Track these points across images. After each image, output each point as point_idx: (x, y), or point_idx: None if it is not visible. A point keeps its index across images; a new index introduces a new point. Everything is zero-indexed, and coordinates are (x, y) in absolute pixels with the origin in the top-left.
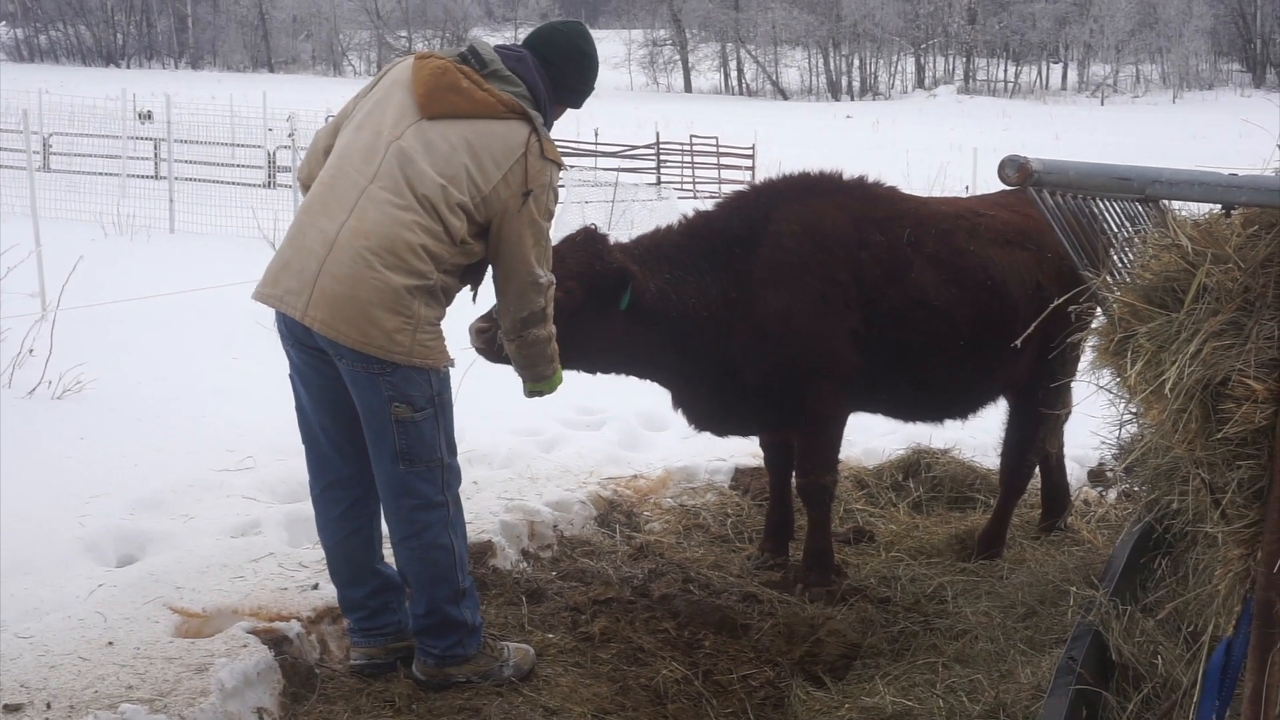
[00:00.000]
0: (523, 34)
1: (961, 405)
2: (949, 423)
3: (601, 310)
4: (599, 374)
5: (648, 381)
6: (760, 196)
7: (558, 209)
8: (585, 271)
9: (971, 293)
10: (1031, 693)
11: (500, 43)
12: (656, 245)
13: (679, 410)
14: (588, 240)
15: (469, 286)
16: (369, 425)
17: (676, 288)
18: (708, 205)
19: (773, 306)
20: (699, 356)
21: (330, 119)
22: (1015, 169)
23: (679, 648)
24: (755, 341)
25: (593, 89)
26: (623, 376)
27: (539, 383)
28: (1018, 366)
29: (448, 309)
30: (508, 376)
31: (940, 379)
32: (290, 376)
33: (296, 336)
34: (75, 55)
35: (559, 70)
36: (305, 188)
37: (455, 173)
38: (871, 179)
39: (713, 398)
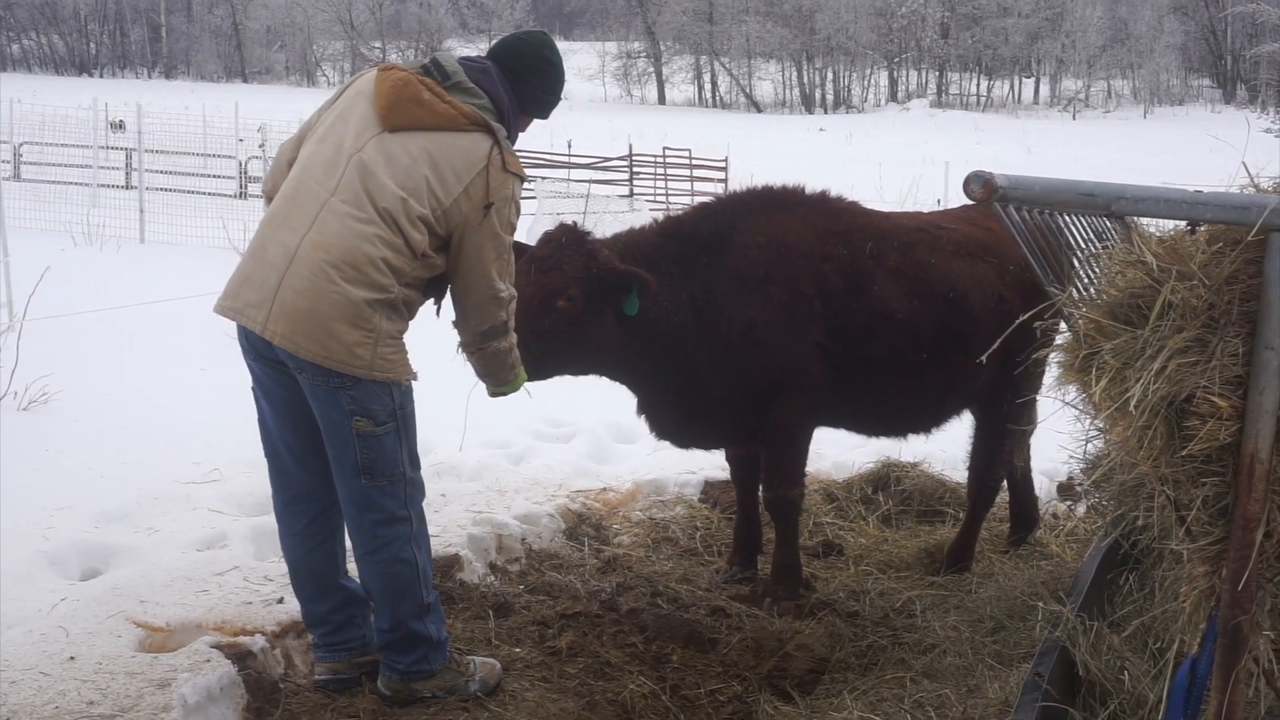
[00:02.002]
0: None
1: (925, 419)
2: (912, 437)
3: (599, 313)
4: (572, 375)
5: (617, 388)
6: (725, 208)
7: (527, 221)
8: (583, 275)
9: (933, 305)
10: (999, 708)
11: (465, 54)
12: (635, 245)
13: (642, 416)
14: (575, 241)
15: (432, 300)
16: (330, 439)
17: (656, 290)
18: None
19: (738, 318)
20: (667, 363)
21: (296, 131)
22: (980, 185)
23: (647, 662)
24: (720, 353)
25: (559, 99)
26: (593, 386)
27: (502, 386)
28: (981, 380)
29: (410, 323)
30: (477, 388)
31: (903, 392)
32: (252, 390)
33: (258, 350)
34: (48, 64)
35: (524, 81)
36: (270, 200)
37: (416, 185)
38: (834, 193)
39: (678, 407)
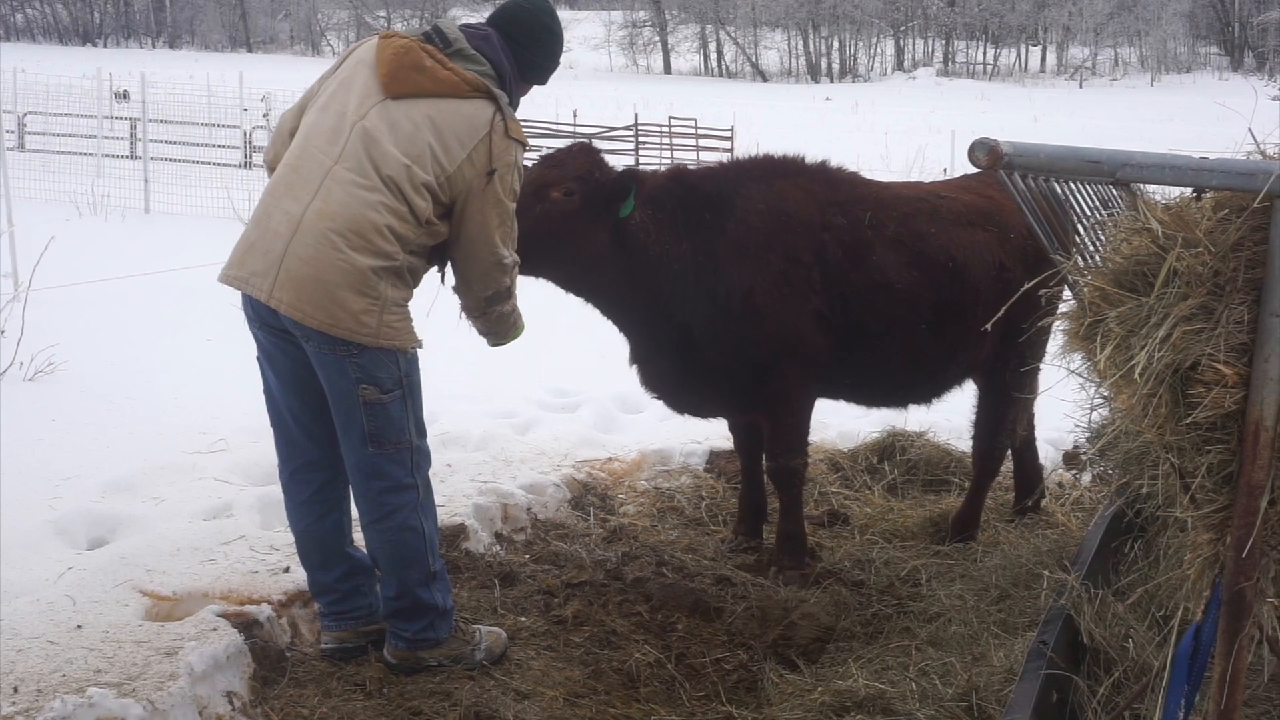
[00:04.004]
0: None
1: (925, 389)
2: (913, 407)
3: (594, 220)
4: (560, 285)
5: (623, 358)
6: (728, 173)
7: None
8: (584, 176)
9: (933, 275)
10: (1004, 676)
11: (466, 21)
12: (643, 180)
13: (633, 366)
14: (585, 150)
15: (436, 268)
16: (337, 408)
17: (656, 227)
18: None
19: (737, 285)
20: (661, 316)
21: (298, 100)
22: (985, 152)
23: (652, 631)
24: (719, 320)
25: (558, 65)
26: (600, 356)
27: (503, 340)
28: (982, 349)
29: (415, 290)
30: (483, 358)
31: (903, 362)
32: (258, 359)
33: (263, 318)
34: (52, 34)
35: (524, 47)
36: (271, 170)
37: (420, 152)
38: (834, 163)
39: (674, 371)
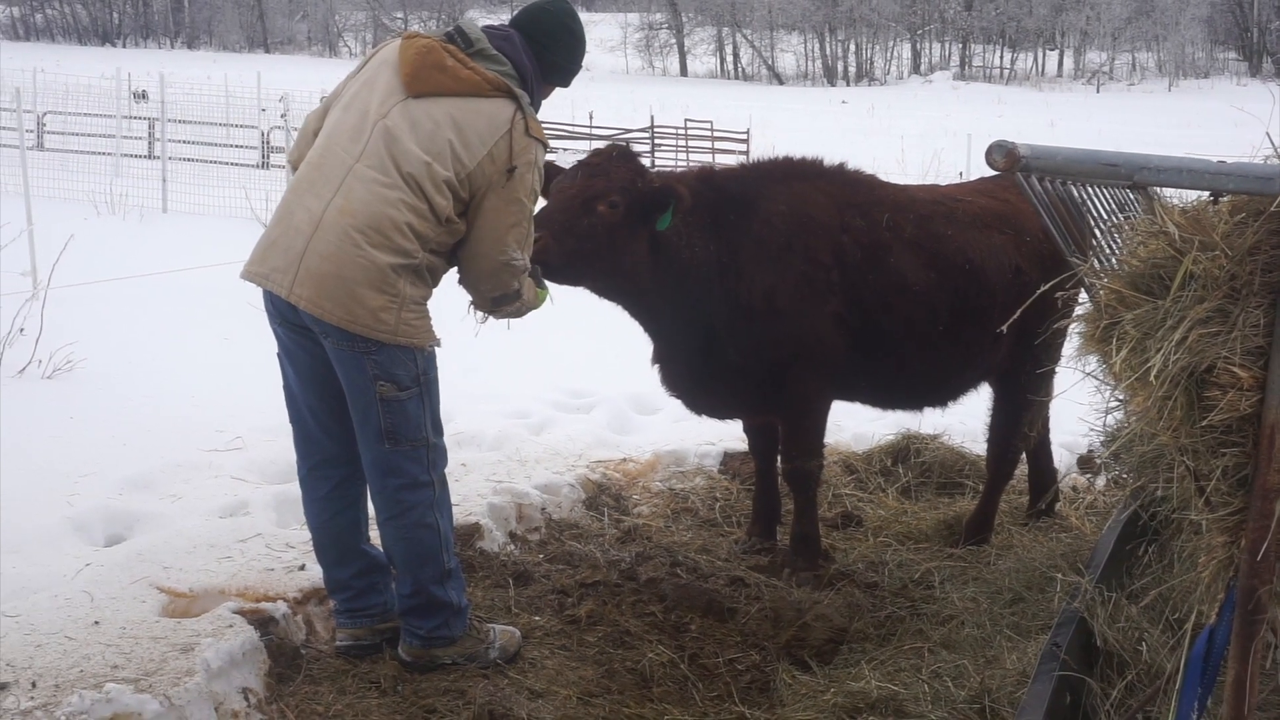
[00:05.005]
0: None
1: (941, 391)
2: (928, 410)
3: (636, 229)
4: (594, 291)
5: (637, 359)
6: (750, 175)
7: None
8: (629, 186)
9: (950, 277)
10: (1017, 678)
11: (488, 23)
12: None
13: (655, 366)
14: (625, 156)
15: (455, 268)
16: (354, 404)
17: (689, 231)
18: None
19: (759, 285)
20: (689, 318)
21: (322, 100)
22: (1003, 154)
23: (665, 631)
24: (740, 319)
25: (580, 67)
26: (614, 357)
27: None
28: (998, 352)
29: (434, 289)
30: (499, 359)
31: (920, 364)
32: (278, 355)
33: (283, 315)
34: (71, 34)
35: (546, 49)
36: (295, 169)
37: (440, 149)
38: (851, 166)
39: (694, 371)
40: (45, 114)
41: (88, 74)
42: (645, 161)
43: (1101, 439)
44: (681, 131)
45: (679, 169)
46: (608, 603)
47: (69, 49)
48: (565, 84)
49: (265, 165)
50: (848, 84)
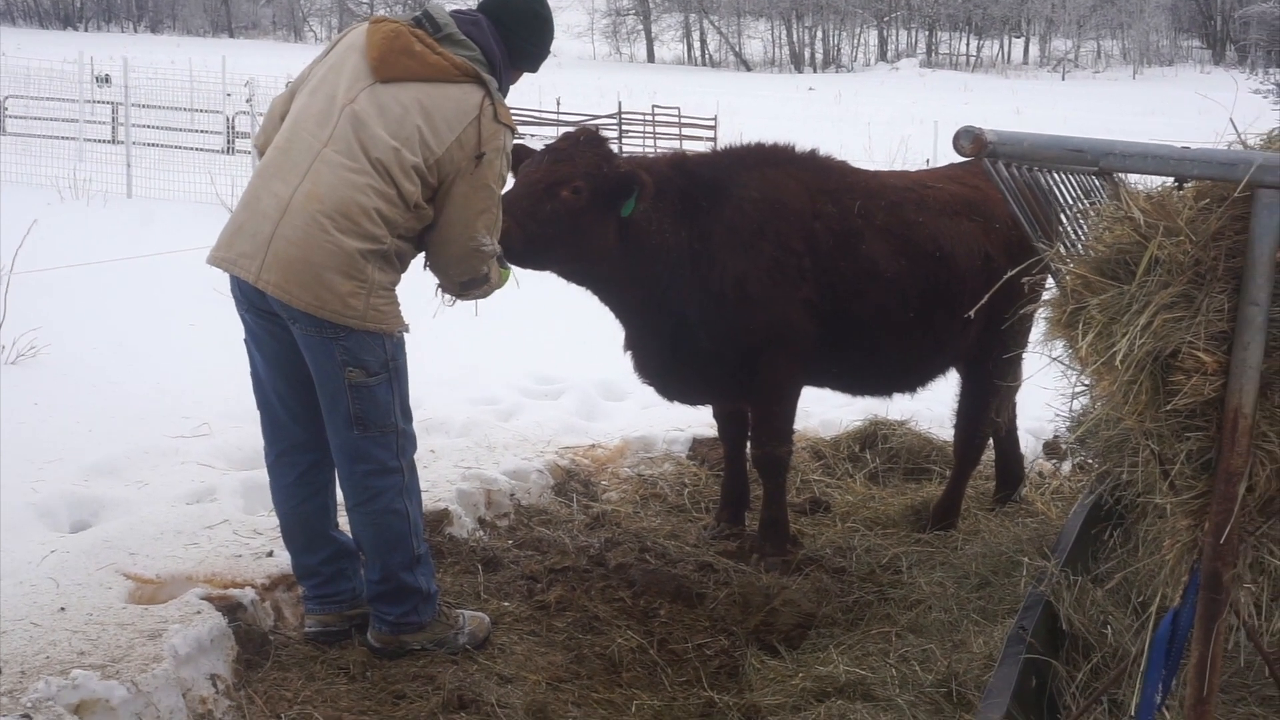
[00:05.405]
0: None
1: (911, 377)
2: (897, 396)
3: (602, 215)
4: (561, 275)
5: (606, 346)
6: (722, 160)
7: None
8: (593, 172)
9: (921, 264)
10: (983, 662)
11: (455, 8)
12: (646, 168)
13: (628, 353)
14: (592, 141)
15: (423, 253)
16: (323, 390)
17: (659, 217)
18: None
19: (730, 271)
20: (660, 304)
21: (288, 85)
22: (970, 140)
23: (634, 616)
24: (712, 305)
25: (549, 53)
26: (583, 344)
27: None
28: (967, 337)
29: (402, 275)
30: (467, 345)
31: (890, 350)
32: (245, 341)
33: (250, 300)
34: (32, 17)
35: (514, 34)
36: (261, 154)
37: (408, 135)
38: (823, 152)
39: (663, 356)
40: (6, 98)
41: (50, 58)
42: (613, 148)
43: (1067, 424)
44: (649, 118)
45: (648, 154)
46: (576, 588)
47: (30, 32)
48: (533, 69)
49: (230, 150)
50: (815, 71)
